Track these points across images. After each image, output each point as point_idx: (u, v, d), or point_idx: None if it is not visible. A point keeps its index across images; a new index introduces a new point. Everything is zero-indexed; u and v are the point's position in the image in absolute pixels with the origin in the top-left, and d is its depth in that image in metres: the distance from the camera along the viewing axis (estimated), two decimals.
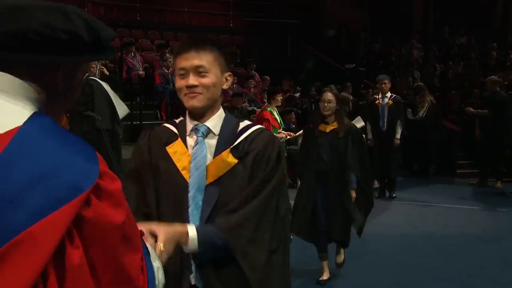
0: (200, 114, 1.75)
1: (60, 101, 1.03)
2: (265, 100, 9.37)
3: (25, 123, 0.90)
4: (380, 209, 7.08)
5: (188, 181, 1.70)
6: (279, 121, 6.77)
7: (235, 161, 1.71)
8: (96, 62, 7.22)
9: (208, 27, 14.76)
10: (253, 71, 11.89)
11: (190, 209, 1.69)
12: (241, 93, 9.55)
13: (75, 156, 0.90)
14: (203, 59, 1.70)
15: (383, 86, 7.80)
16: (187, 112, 1.78)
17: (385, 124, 7.80)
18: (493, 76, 9.21)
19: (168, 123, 1.86)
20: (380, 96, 7.89)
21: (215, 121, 1.76)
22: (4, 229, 0.82)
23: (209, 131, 1.75)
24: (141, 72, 9.98)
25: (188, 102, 1.71)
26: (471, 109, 9.09)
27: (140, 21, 13.79)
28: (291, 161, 7.77)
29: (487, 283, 4.62)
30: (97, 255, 0.89)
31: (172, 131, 1.80)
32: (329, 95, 4.37)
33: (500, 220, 6.90)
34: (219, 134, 1.75)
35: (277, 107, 6.94)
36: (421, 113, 9.07)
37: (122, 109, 5.55)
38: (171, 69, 9.99)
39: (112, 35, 1.01)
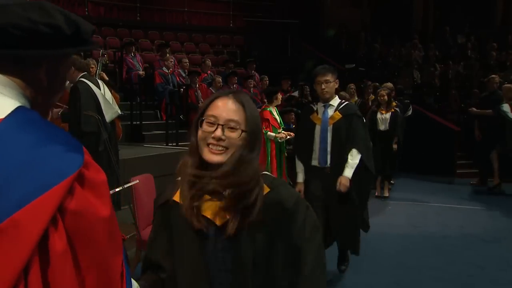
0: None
1: (46, 96, 1.04)
2: (265, 100, 9.37)
3: (6, 116, 0.91)
4: (380, 209, 7.08)
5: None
6: (278, 121, 6.76)
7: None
8: (96, 62, 7.21)
9: (208, 27, 14.77)
10: (253, 71, 11.89)
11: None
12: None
13: (59, 146, 0.90)
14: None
15: (323, 87, 4.20)
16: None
17: (329, 157, 4.25)
18: (493, 76, 9.21)
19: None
20: (318, 105, 4.38)
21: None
22: None
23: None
24: (141, 72, 9.97)
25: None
26: (475, 109, 9.01)
27: (140, 21, 13.79)
28: (291, 161, 7.78)
29: (487, 283, 4.62)
30: (81, 248, 0.87)
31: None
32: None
33: (500, 220, 6.90)
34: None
35: (276, 107, 6.94)
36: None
37: (111, 112, 5.48)
38: (171, 69, 9.99)
39: (91, 28, 1.02)
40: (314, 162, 4.29)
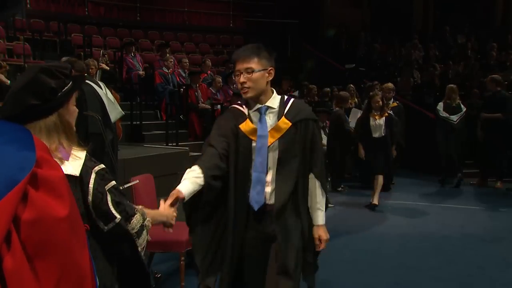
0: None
1: None
2: None
3: None
4: (380, 209, 7.08)
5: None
6: None
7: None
8: (96, 63, 7.19)
9: (208, 27, 14.79)
10: None
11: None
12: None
13: (7, 146, 0.81)
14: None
15: (241, 79, 2.60)
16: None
17: (269, 193, 2.62)
18: (493, 75, 9.19)
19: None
20: (249, 110, 2.70)
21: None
22: None
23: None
24: (141, 72, 9.98)
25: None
26: (485, 114, 8.91)
27: (140, 21, 13.80)
28: None
29: (487, 283, 4.62)
30: (43, 255, 0.80)
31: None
32: None
33: (500, 220, 6.90)
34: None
35: None
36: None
37: (115, 113, 5.45)
38: (171, 69, 9.99)
39: None
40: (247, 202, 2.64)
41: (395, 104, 8.51)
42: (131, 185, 3.96)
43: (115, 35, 12.57)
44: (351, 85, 10.22)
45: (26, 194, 0.79)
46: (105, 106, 5.21)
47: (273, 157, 2.62)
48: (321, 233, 2.72)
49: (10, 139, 0.83)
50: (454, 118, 8.80)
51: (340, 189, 8.48)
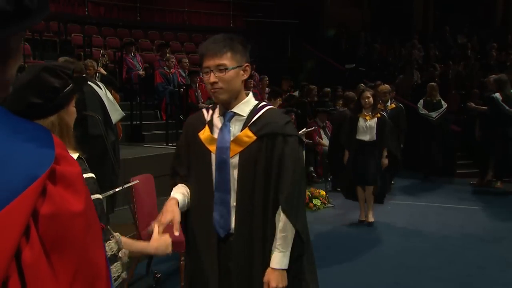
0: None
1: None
2: (265, 100, 9.37)
3: None
4: (380, 209, 7.08)
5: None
6: None
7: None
8: (95, 64, 7.18)
9: (208, 27, 14.77)
10: (253, 71, 11.90)
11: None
12: None
13: (27, 143, 0.82)
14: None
15: (212, 79, 2.11)
16: None
17: (233, 217, 2.17)
18: (493, 75, 9.19)
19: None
20: (215, 112, 2.26)
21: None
22: None
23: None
24: (141, 72, 9.98)
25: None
26: (473, 104, 9.04)
27: (140, 21, 13.81)
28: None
29: (487, 283, 4.62)
30: (59, 251, 0.82)
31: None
32: None
33: (500, 220, 6.90)
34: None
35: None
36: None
37: (116, 114, 5.40)
38: (172, 69, 9.99)
39: None
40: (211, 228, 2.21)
41: (393, 105, 8.42)
42: (131, 185, 3.96)
43: (115, 35, 12.58)
44: (362, 85, 10.08)
45: (45, 189, 0.81)
46: (105, 106, 5.19)
47: (233, 174, 2.16)
48: (271, 277, 2.09)
49: (30, 136, 0.84)
50: (433, 114, 9.16)
51: (340, 189, 8.47)
